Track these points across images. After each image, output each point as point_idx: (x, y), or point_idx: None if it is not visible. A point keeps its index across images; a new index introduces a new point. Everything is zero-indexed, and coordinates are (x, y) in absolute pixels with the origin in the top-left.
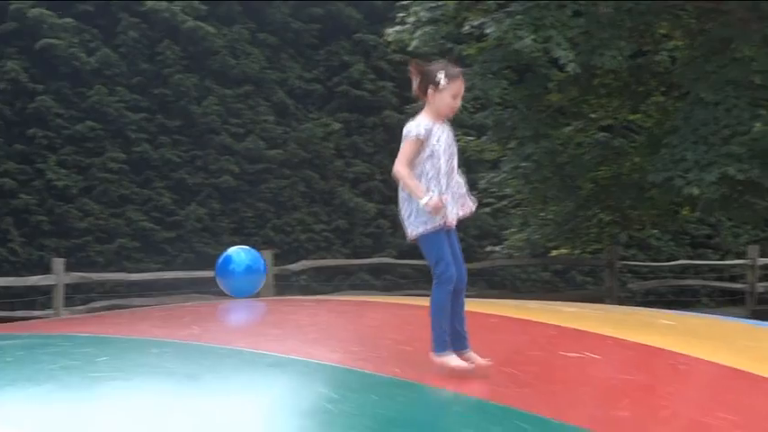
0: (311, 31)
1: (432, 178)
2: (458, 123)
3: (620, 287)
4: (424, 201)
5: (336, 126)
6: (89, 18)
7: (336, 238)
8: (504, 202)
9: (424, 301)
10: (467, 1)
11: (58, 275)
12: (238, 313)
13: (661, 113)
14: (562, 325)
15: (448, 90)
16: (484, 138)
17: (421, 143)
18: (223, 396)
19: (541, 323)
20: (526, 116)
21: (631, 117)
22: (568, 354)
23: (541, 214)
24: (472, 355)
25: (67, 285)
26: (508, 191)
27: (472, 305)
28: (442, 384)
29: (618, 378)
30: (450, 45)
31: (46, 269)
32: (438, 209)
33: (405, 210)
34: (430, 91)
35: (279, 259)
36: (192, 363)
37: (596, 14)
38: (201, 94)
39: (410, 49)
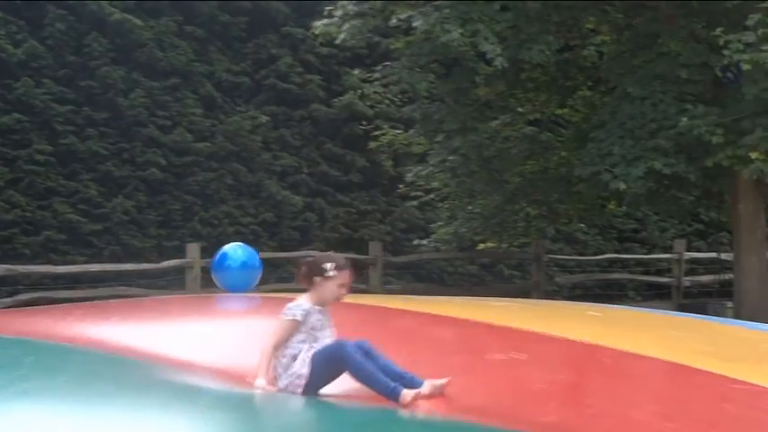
0: (239, 24)
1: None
2: (385, 117)
3: (547, 281)
4: (257, 382)
5: (264, 119)
6: (16, 10)
7: (264, 231)
8: (431, 196)
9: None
10: None
11: None
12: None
13: (588, 108)
14: (488, 322)
15: (335, 280)
16: (411, 131)
17: (297, 325)
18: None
19: (467, 320)
20: (453, 110)
21: (558, 111)
22: (495, 356)
23: (469, 208)
24: (428, 382)
25: None
26: (435, 184)
27: (382, 301)
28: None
29: (544, 378)
30: (377, 38)
31: None
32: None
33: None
34: (317, 279)
35: (206, 252)
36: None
37: (524, 9)
38: (128, 86)
39: (337, 42)
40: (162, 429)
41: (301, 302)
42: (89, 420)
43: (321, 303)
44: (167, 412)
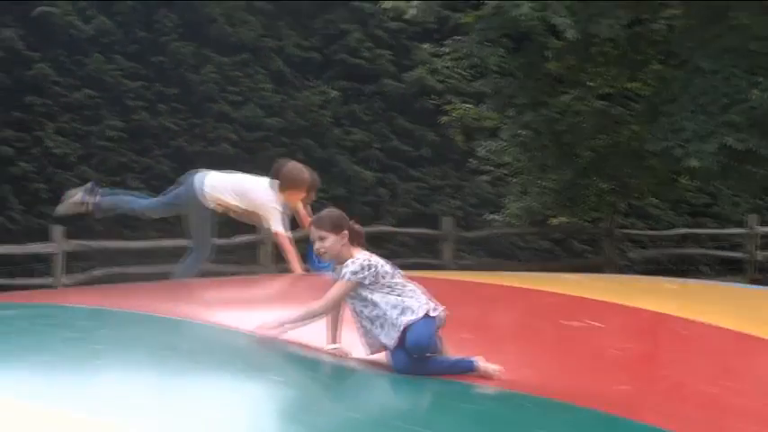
0: None
1: None
2: (455, 91)
3: (619, 256)
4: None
5: (334, 94)
6: None
7: (335, 206)
8: (503, 170)
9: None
10: None
11: (58, 243)
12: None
13: (659, 82)
14: (564, 293)
15: None
16: (482, 106)
17: None
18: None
19: (543, 291)
20: (524, 84)
21: (629, 85)
22: (571, 323)
23: (540, 182)
24: (481, 366)
25: (67, 253)
26: (507, 159)
27: (472, 276)
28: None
29: (620, 347)
30: (446, 12)
31: (45, 237)
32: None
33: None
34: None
35: None
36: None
37: None
38: (199, 62)
39: (407, 16)
40: (238, 402)
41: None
42: (162, 392)
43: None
44: (245, 385)
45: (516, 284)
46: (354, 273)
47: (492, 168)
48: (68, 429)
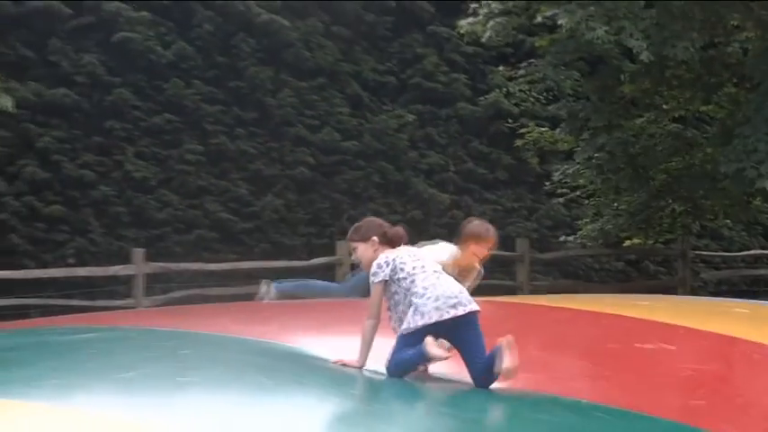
0: (384, 24)
1: None
2: (530, 115)
3: (692, 277)
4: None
5: (410, 118)
6: (165, 12)
7: (411, 228)
8: (577, 193)
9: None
10: None
11: (138, 265)
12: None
13: (733, 104)
14: (637, 316)
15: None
16: (557, 129)
17: None
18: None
19: (617, 315)
20: (598, 107)
21: (703, 108)
22: (644, 345)
23: (614, 204)
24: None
25: (147, 275)
26: (581, 181)
27: (546, 300)
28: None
29: (692, 368)
30: (521, 36)
31: (126, 259)
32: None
33: None
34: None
35: None
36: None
37: (667, 6)
38: (276, 86)
39: (483, 40)
40: (314, 417)
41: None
42: (244, 408)
43: None
44: (321, 401)
45: (590, 308)
46: (374, 274)
47: (566, 191)
48: None
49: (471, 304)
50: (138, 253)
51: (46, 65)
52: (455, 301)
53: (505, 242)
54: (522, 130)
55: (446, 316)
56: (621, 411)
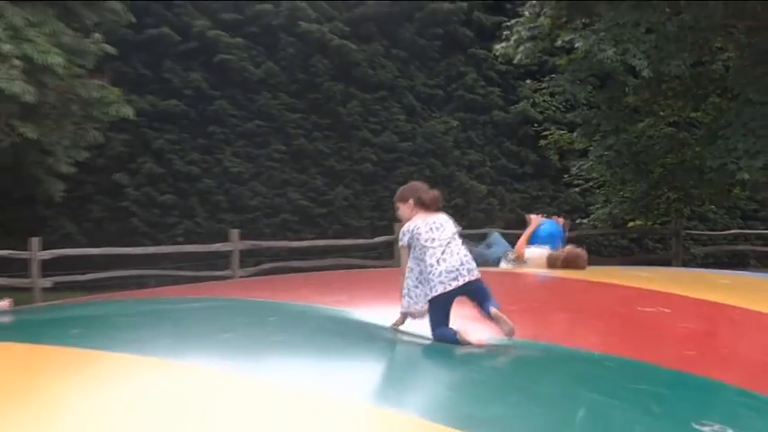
0: (434, 47)
1: None
2: (552, 120)
3: (684, 251)
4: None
5: (454, 123)
6: (255, 37)
7: (455, 213)
8: (590, 184)
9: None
10: (559, 21)
11: (235, 243)
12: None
13: (717, 112)
14: (639, 286)
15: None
16: (574, 132)
17: None
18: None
19: (622, 285)
20: (607, 114)
21: (693, 115)
22: (645, 309)
23: (620, 193)
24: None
25: (242, 251)
26: (594, 174)
27: (563, 273)
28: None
29: (685, 326)
30: (545, 57)
31: (224, 238)
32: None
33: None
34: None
35: None
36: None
37: (664, 32)
38: (346, 98)
39: (515, 61)
40: (373, 371)
41: None
42: (319, 363)
43: None
44: (381, 360)
45: (600, 280)
46: (400, 239)
47: (581, 182)
48: (246, 391)
49: (471, 274)
50: (235, 233)
51: (160, 81)
52: (456, 274)
53: None
54: (545, 133)
55: (449, 288)
56: (627, 360)
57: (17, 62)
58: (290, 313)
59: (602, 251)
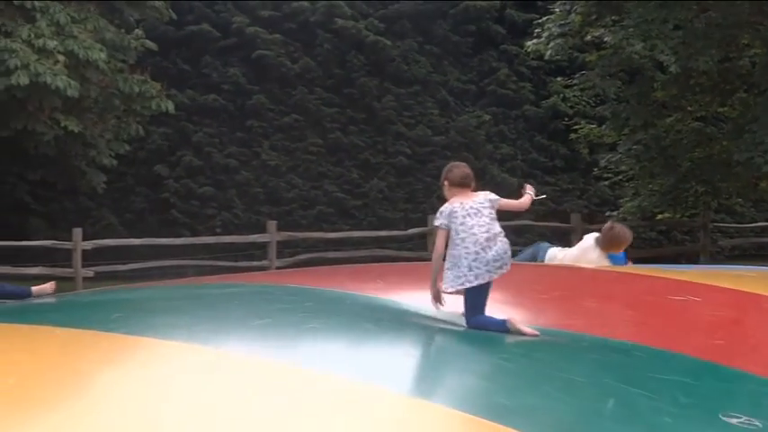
0: (467, 43)
1: None
2: (582, 115)
3: (711, 244)
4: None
5: (486, 117)
6: (293, 34)
7: None
8: (620, 177)
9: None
10: (589, 18)
11: (272, 234)
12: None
13: (744, 107)
14: (670, 277)
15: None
16: (603, 126)
17: None
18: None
19: (653, 276)
20: (636, 109)
21: (720, 110)
22: (675, 298)
23: (649, 186)
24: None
25: (279, 242)
26: (623, 168)
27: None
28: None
29: (713, 315)
30: (575, 53)
31: (262, 229)
32: None
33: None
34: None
35: None
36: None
37: (692, 28)
38: (381, 93)
39: (546, 57)
40: (407, 356)
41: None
42: (354, 348)
43: None
44: (413, 348)
45: (631, 271)
46: (436, 219)
47: (611, 175)
48: (280, 376)
49: (510, 263)
50: (272, 224)
51: (199, 76)
52: (501, 263)
53: (562, 216)
54: (576, 127)
55: (494, 276)
56: (657, 350)
57: (61, 57)
58: (326, 300)
59: (632, 243)
